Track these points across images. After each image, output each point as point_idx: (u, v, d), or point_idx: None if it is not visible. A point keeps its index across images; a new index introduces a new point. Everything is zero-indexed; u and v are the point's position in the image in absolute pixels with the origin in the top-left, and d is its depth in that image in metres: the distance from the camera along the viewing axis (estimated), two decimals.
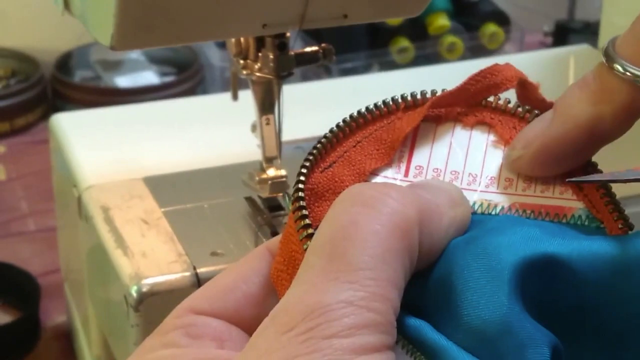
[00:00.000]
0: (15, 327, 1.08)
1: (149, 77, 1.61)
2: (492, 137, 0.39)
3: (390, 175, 0.38)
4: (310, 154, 0.39)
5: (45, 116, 1.48)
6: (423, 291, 0.34)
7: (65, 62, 1.64)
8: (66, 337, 1.08)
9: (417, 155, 0.39)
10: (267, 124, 0.79)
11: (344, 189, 0.35)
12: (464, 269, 0.33)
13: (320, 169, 0.38)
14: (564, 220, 0.37)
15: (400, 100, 0.41)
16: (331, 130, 0.40)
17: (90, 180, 0.87)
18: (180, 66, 1.62)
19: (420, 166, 0.39)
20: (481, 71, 0.41)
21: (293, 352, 0.30)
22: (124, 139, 0.95)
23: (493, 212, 0.37)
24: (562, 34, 1.67)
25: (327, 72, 1.47)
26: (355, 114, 0.40)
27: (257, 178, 0.79)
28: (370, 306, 0.31)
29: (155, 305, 0.73)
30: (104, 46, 0.70)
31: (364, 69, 1.52)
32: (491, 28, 1.59)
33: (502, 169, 0.38)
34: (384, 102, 0.40)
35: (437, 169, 0.39)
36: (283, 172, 0.79)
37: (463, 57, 1.55)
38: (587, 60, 1.13)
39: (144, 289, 0.73)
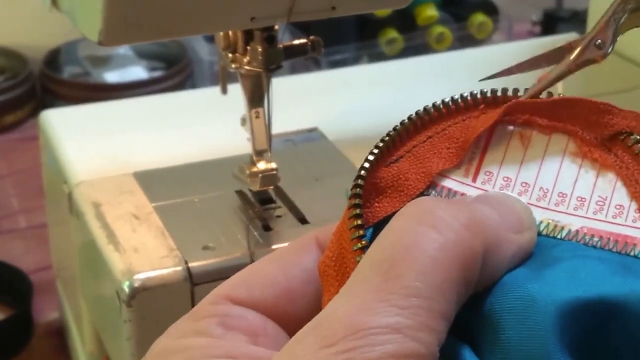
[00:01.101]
0: (8, 325, 1.08)
1: (138, 72, 1.61)
2: (570, 149, 0.37)
3: (458, 179, 0.36)
4: (377, 147, 0.37)
5: (35, 113, 1.47)
6: (469, 314, 0.32)
7: (53, 59, 1.63)
8: (59, 334, 1.08)
9: (489, 159, 0.37)
10: (257, 117, 0.79)
11: (407, 188, 0.34)
12: (512, 313, 0.32)
13: (386, 163, 0.37)
14: (631, 253, 0.34)
15: (479, 96, 0.38)
16: (402, 123, 0.38)
17: (80, 177, 0.87)
18: (168, 61, 1.62)
19: (490, 172, 0.37)
20: (590, 101, 0.37)
21: None
22: (114, 134, 0.95)
23: (558, 236, 0.35)
24: (551, 23, 1.67)
25: (316, 65, 1.47)
26: (430, 106, 0.38)
27: (247, 171, 0.79)
28: (416, 336, 0.30)
29: (147, 301, 0.73)
30: (92, 42, 0.70)
31: (353, 61, 1.52)
32: (479, 18, 1.59)
33: (575, 186, 0.36)
34: (461, 96, 0.38)
35: (508, 178, 0.36)
36: (273, 165, 0.79)
37: (452, 47, 1.55)
38: None
39: (136, 284, 0.73)
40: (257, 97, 0.79)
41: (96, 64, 1.62)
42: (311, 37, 0.78)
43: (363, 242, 0.34)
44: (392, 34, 1.56)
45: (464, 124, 0.37)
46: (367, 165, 0.36)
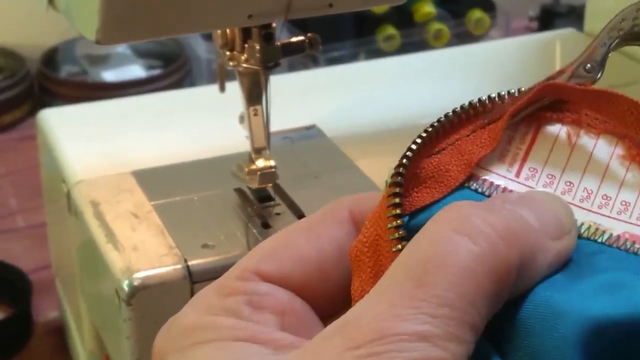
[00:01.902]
0: (8, 324, 1.08)
1: (136, 70, 1.61)
2: (618, 151, 0.36)
3: (502, 173, 0.36)
4: (420, 137, 0.36)
5: (33, 112, 1.47)
6: (496, 318, 0.32)
7: (51, 58, 1.63)
8: (59, 333, 1.08)
9: (534, 156, 0.36)
10: (255, 114, 0.79)
11: (447, 179, 0.34)
12: (540, 322, 0.31)
13: (427, 154, 0.36)
14: None
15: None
16: (446, 115, 0.37)
17: (79, 176, 0.87)
18: (166, 59, 1.62)
19: (534, 169, 0.36)
20: (631, 100, 0.35)
21: None
22: (112, 133, 0.95)
23: (599, 239, 0.34)
24: (548, 19, 1.67)
25: (313, 62, 1.47)
26: (475, 100, 0.37)
27: (246, 169, 0.79)
28: (444, 346, 0.29)
29: (147, 299, 0.73)
30: (90, 41, 0.70)
31: (351, 58, 1.52)
32: (477, 14, 1.59)
33: (621, 190, 0.35)
34: (508, 92, 0.37)
35: (552, 175, 0.36)
36: (272, 163, 0.79)
37: (449, 44, 1.55)
38: (573, 44, 1.13)
39: (136, 283, 0.73)
40: (255, 94, 0.79)
41: (94, 63, 1.62)
42: (309, 35, 0.78)
43: (401, 233, 0.34)
44: (390, 30, 1.56)
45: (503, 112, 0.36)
46: (409, 154, 0.35)
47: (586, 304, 0.31)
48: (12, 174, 1.41)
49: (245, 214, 0.80)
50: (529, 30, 1.69)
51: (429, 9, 1.57)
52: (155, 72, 1.60)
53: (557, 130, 0.36)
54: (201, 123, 0.96)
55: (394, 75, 1.08)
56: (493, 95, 0.37)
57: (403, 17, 1.57)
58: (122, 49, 1.63)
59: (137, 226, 0.79)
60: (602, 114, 0.36)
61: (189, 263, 0.75)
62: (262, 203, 0.81)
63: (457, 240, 0.31)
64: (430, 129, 0.36)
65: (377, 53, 1.52)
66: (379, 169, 0.87)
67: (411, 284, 0.30)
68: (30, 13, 1.60)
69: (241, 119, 0.80)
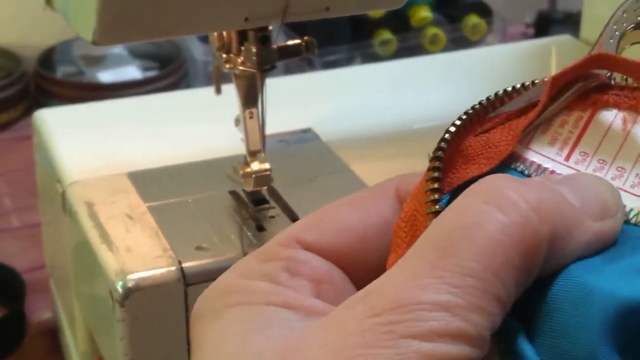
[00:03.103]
0: (1, 324, 1.08)
1: (132, 72, 1.61)
2: None
3: (550, 156, 0.35)
4: (466, 113, 0.36)
5: (28, 112, 1.47)
6: (525, 294, 0.31)
7: (47, 58, 1.63)
8: (52, 334, 1.08)
9: (586, 140, 0.35)
10: (251, 117, 0.79)
11: (495, 154, 0.33)
12: (569, 300, 0.31)
13: (475, 133, 0.36)
14: None
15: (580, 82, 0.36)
16: (496, 94, 0.36)
17: (74, 176, 0.87)
18: (163, 60, 1.62)
19: (585, 153, 0.35)
20: None
21: (370, 341, 0.29)
22: (108, 134, 0.95)
23: None
24: (544, 25, 1.67)
25: (309, 65, 1.47)
26: (528, 82, 0.36)
27: (241, 172, 0.79)
28: (466, 316, 0.29)
29: (140, 300, 0.73)
30: (86, 41, 0.70)
31: (347, 62, 1.52)
32: (473, 19, 1.59)
33: None
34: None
35: (603, 160, 0.35)
36: (267, 166, 0.79)
37: (446, 49, 1.55)
38: (569, 50, 1.13)
39: (130, 284, 0.73)
40: (251, 97, 0.79)
41: (90, 64, 1.62)
42: (305, 38, 0.78)
43: (437, 207, 0.33)
44: (386, 35, 1.56)
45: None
46: (452, 129, 0.35)
47: (618, 284, 0.30)
48: (7, 173, 1.41)
49: (239, 217, 0.81)
50: (525, 36, 1.70)
51: (425, 13, 1.57)
52: (152, 73, 1.60)
53: (613, 115, 0.36)
54: (197, 125, 0.96)
55: (390, 80, 1.08)
56: (539, 79, 0.36)
57: (399, 22, 1.57)
58: (118, 50, 1.63)
59: (132, 227, 0.79)
60: None
61: (183, 265, 0.75)
62: (257, 206, 0.81)
63: (485, 210, 0.30)
64: (477, 106, 0.36)
65: (373, 57, 1.52)
66: (374, 173, 0.87)
67: (434, 254, 0.30)
68: (27, 13, 1.59)
69: (237, 121, 0.80)
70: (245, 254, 0.75)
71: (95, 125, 0.97)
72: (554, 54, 1.14)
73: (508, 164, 0.35)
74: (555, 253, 0.31)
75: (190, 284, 0.74)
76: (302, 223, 0.36)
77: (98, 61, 1.62)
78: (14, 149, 1.48)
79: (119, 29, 0.69)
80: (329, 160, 0.90)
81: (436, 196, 0.33)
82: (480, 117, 0.36)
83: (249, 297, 0.33)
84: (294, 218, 0.80)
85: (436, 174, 0.34)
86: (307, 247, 0.35)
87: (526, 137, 0.36)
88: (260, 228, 0.79)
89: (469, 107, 0.36)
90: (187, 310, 0.74)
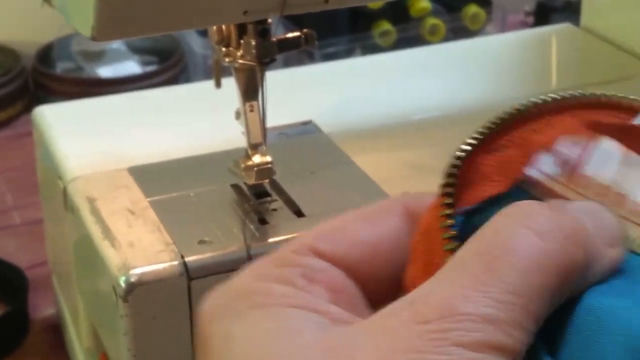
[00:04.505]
0: (3, 321, 1.08)
1: (131, 66, 1.61)
2: None
3: (555, 177, 0.36)
4: (479, 132, 0.36)
5: (28, 109, 1.47)
6: (549, 320, 0.32)
7: (46, 54, 1.63)
8: (56, 330, 1.08)
9: (589, 162, 0.36)
10: (251, 110, 0.79)
11: (512, 171, 0.34)
12: (581, 332, 0.32)
13: (489, 150, 0.36)
14: None
15: (603, 99, 0.37)
16: (509, 112, 0.37)
17: (75, 172, 0.87)
18: (162, 55, 1.61)
19: (587, 176, 0.36)
20: None
21: (422, 347, 0.30)
22: (108, 129, 0.95)
23: None
24: (544, 13, 1.67)
25: (309, 58, 1.47)
26: (540, 99, 0.37)
27: (242, 165, 0.79)
28: (508, 331, 0.30)
29: (144, 295, 0.73)
30: (85, 37, 0.69)
31: (347, 53, 1.51)
32: (472, 9, 1.59)
33: None
34: (573, 94, 0.37)
35: (605, 186, 0.36)
36: (268, 159, 0.78)
37: (445, 39, 1.55)
38: (569, 39, 1.13)
39: (133, 279, 0.73)
40: (251, 90, 0.78)
41: (89, 59, 1.62)
42: (304, 30, 0.78)
43: (451, 232, 0.34)
44: (386, 26, 1.56)
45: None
46: (467, 148, 0.36)
47: (630, 317, 0.31)
48: (8, 170, 1.41)
49: (242, 210, 0.80)
50: (525, 25, 1.69)
51: (424, 4, 1.57)
52: (151, 68, 1.60)
53: (618, 137, 0.36)
54: (197, 119, 0.96)
55: (390, 71, 1.08)
56: (558, 95, 0.37)
57: (399, 12, 1.57)
58: (117, 45, 1.63)
59: (134, 222, 0.79)
60: None
61: (186, 259, 0.74)
62: (259, 199, 0.81)
63: (524, 234, 0.32)
64: (493, 126, 0.36)
65: (373, 48, 1.52)
66: (376, 165, 0.87)
67: (481, 268, 0.31)
68: (25, 9, 1.59)
69: (237, 115, 0.80)
70: (248, 248, 0.75)
71: (95, 120, 0.97)
72: (554, 43, 1.13)
73: (517, 181, 0.36)
74: (581, 280, 0.33)
75: (193, 278, 0.74)
76: (315, 232, 0.36)
77: (97, 57, 1.62)
78: (14, 146, 1.47)
79: (117, 24, 0.69)
80: (330, 152, 0.90)
81: (450, 221, 0.34)
82: (494, 136, 0.36)
83: (273, 299, 0.33)
84: (296, 211, 0.80)
85: (448, 189, 0.35)
86: (321, 257, 0.35)
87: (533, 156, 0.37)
88: (263, 221, 0.79)
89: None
90: (191, 304, 0.74)
